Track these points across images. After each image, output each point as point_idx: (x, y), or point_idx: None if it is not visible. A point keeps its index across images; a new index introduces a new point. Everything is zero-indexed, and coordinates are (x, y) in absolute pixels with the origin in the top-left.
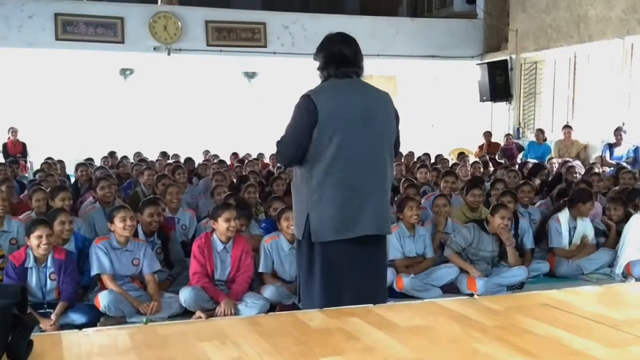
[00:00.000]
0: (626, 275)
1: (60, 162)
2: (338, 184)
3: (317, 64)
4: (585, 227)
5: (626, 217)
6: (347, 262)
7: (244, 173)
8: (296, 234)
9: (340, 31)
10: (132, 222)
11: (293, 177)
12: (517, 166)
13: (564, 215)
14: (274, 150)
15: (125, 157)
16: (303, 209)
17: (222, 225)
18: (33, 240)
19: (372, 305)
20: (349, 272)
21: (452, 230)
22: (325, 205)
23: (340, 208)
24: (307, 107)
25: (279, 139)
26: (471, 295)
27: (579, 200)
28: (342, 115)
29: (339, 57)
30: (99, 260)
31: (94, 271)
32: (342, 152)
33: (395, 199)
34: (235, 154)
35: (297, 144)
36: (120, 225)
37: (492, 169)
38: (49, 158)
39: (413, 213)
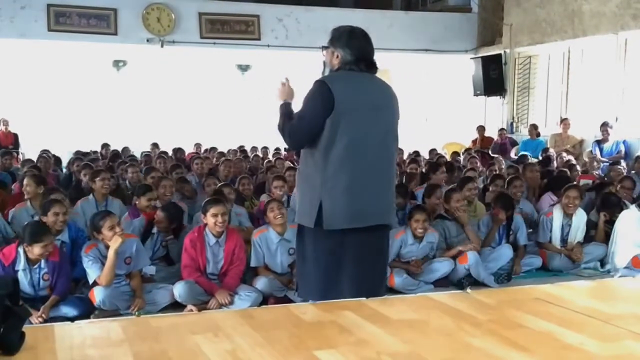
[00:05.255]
0: (618, 268)
1: (48, 151)
2: (352, 172)
3: (326, 53)
4: (579, 224)
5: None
6: (353, 251)
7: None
8: (304, 222)
9: (359, 27)
10: (120, 228)
11: (301, 165)
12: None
13: (557, 211)
14: (267, 142)
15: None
16: (314, 196)
17: (210, 220)
18: (36, 249)
19: (365, 298)
20: (352, 261)
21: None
22: (339, 193)
23: (353, 197)
24: (323, 92)
25: (284, 123)
26: (462, 283)
27: (563, 189)
28: (356, 104)
29: (364, 53)
30: (92, 269)
31: (91, 280)
32: (357, 142)
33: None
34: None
35: (311, 129)
36: (109, 234)
37: (479, 165)
38: (45, 151)
39: (418, 226)
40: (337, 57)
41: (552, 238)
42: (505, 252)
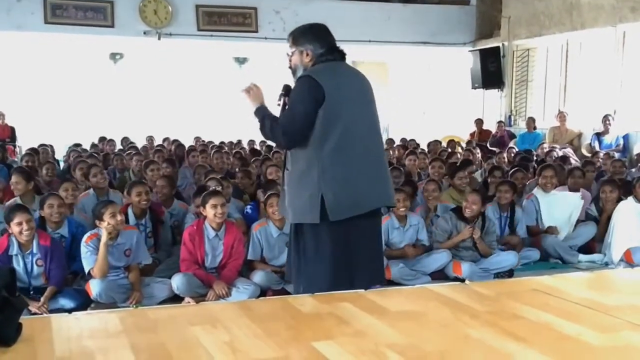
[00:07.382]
0: (614, 261)
1: (50, 146)
2: (348, 160)
3: (294, 57)
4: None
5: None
6: (356, 238)
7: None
8: (306, 219)
9: (316, 22)
10: (122, 216)
11: (291, 164)
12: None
13: (538, 191)
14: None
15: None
16: (313, 191)
17: (209, 211)
18: (14, 228)
19: (363, 290)
20: (358, 248)
21: (442, 213)
22: (339, 183)
23: (353, 184)
24: (312, 86)
25: (271, 125)
26: (457, 279)
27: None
28: (344, 93)
29: (333, 43)
30: (89, 261)
31: (87, 269)
32: (350, 130)
33: None
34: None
35: (305, 124)
36: (112, 222)
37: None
38: (42, 145)
39: (400, 205)
40: (308, 54)
41: (540, 219)
42: (509, 259)
